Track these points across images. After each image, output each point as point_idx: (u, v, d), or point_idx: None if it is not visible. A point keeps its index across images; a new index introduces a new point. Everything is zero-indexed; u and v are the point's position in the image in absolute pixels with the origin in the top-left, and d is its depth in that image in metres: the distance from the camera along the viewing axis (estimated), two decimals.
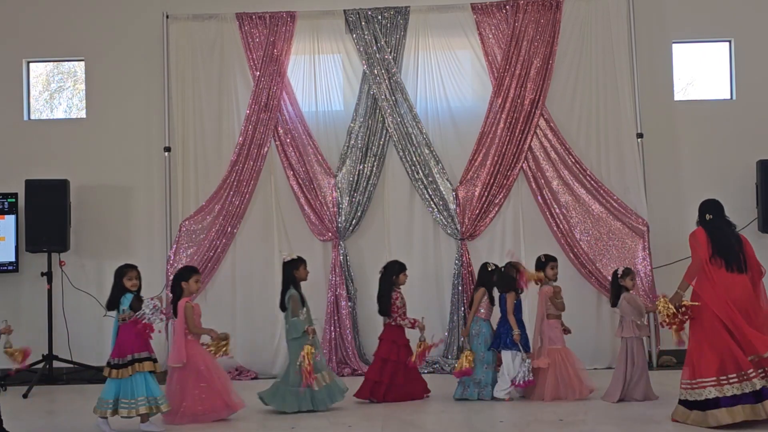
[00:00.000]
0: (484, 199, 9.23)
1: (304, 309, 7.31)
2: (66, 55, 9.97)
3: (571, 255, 9.03)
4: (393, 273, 7.64)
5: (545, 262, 7.62)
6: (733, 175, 9.21)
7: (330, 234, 9.27)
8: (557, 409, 6.93)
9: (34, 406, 8.04)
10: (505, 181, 9.25)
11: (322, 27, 9.47)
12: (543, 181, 9.23)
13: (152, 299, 6.65)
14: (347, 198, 9.28)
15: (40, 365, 8.95)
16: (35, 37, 9.79)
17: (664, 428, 6.20)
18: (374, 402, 7.39)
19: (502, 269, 7.66)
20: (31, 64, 10.02)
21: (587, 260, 8.99)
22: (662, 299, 6.42)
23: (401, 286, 7.68)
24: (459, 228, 9.20)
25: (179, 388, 6.88)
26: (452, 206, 9.23)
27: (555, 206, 9.18)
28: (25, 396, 8.30)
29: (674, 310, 6.30)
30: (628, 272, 7.36)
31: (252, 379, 9.10)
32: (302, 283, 7.45)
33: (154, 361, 6.73)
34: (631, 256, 8.92)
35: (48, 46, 9.83)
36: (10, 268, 9.24)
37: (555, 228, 9.16)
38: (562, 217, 9.16)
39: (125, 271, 6.77)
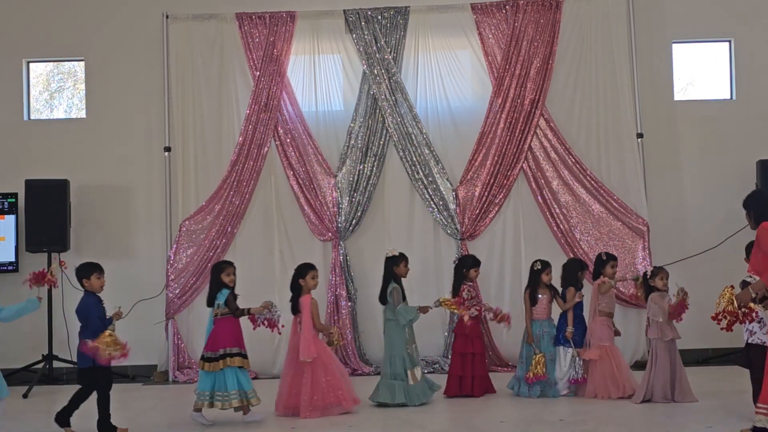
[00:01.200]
0: (484, 199, 9.23)
1: (404, 304, 7.40)
2: (66, 55, 9.97)
3: (571, 255, 9.01)
4: (464, 267, 7.70)
5: (606, 261, 7.59)
6: (733, 175, 9.20)
7: (330, 234, 9.27)
8: (557, 408, 6.94)
9: (34, 406, 8.04)
10: (505, 181, 9.25)
11: (322, 27, 9.47)
12: (543, 181, 9.24)
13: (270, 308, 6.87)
14: (347, 198, 9.28)
15: (40, 365, 8.95)
16: (35, 37, 9.79)
17: (665, 429, 6.20)
18: (470, 397, 7.44)
19: (566, 265, 7.77)
20: (31, 64, 10.02)
21: (587, 260, 8.97)
22: (729, 290, 5.76)
23: (471, 281, 7.71)
24: (459, 228, 9.20)
25: (309, 381, 6.95)
26: (452, 206, 9.23)
27: (555, 206, 9.19)
28: (25, 396, 8.31)
29: (736, 307, 5.65)
30: (657, 272, 7.23)
31: (252, 379, 9.07)
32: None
33: (244, 356, 6.81)
34: (631, 256, 8.93)
35: (48, 46, 9.83)
36: (10, 268, 9.24)
37: (555, 228, 9.16)
38: (562, 217, 9.16)
39: (224, 267, 6.98)
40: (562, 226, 9.15)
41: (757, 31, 9.53)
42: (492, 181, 9.23)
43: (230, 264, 7.06)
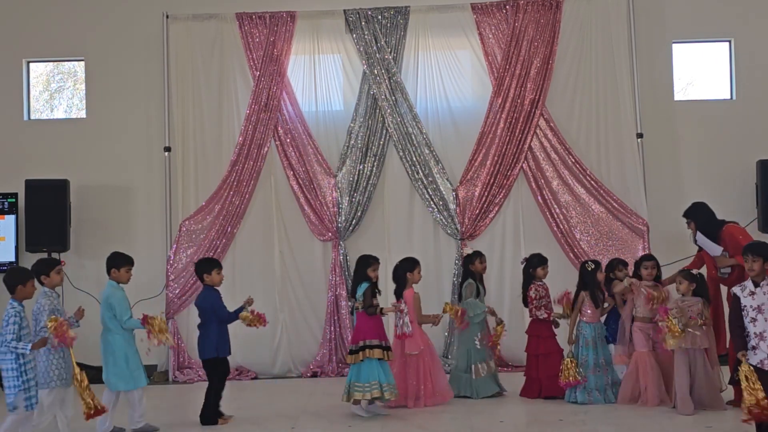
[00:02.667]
0: (484, 199, 9.23)
1: (475, 299, 7.53)
2: (66, 55, 9.97)
3: (571, 255, 9.03)
4: (532, 266, 7.65)
5: (639, 261, 7.52)
6: (733, 175, 9.21)
7: (330, 234, 9.27)
8: (557, 408, 6.93)
9: None
10: (505, 181, 9.25)
11: (322, 27, 9.47)
12: (543, 181, 9.24)
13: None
14: (347, 198, 9.28)
15: None
16: (35, 37, 9.79)
17: (665, 430, 6.20)
18: (545, 398, 7.38)
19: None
20: (31, 64, 10.02)
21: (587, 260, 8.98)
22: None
23: (541, 280, 7.62)
24: (459, 228, 9.20)
25: (415, 373, 7.12)
26: (452, 206, 9.23)
27: (555, 206, 9.19)
28: None
29: None
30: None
31: (252, 379, 9.10)
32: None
33: (385, 348, 6.87)
34: (631, 256, 8.90)
35: (48, 46, 9.83)
36: None
37: (555, 228, 9.16)
38: (562, 217, 9.16)
39: (371, 261, 7.07)
40: (562, 226, 9.15)
41: (757, 31, 9.53)
42: (492, 181, 9.23)
43: (377, 259, 7.13)
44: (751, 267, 5.66)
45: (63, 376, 6.22)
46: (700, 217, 7.33)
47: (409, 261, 7.41)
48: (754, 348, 5.56)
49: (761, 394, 5.33)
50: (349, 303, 7.14)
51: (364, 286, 6.98)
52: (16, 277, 5.89)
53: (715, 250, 7.12)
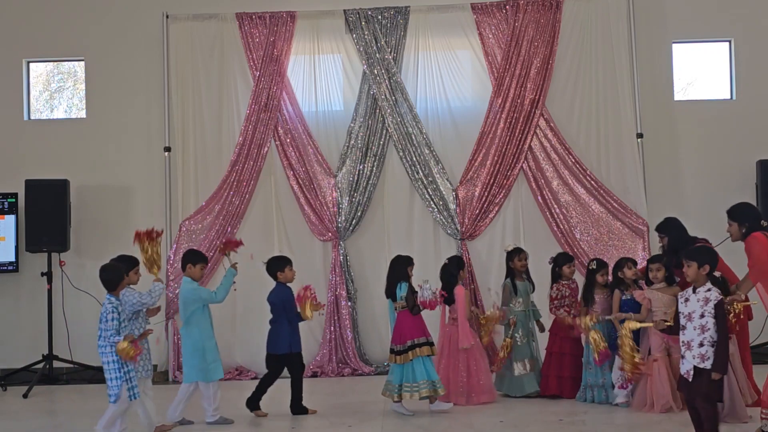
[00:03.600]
0: (484, 199, 9.23)
1: (520, 299, 7.52)
2: (66, 55, 9.97)
3: (571, 255, 9.01)
4: (557, 265, 7.63)
5: (645, 264, 7.42)
6: (733, 175, 9.21)
7: (330, 234, 9.27)
8: (557, 408, 6.93)
9: (34, 406, 8.04)
10: (505, 181, 9.26)
11: (322, 27, 9.47)
12: (543, 181, 9.24)
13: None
14: (347, 198, 9.28)
15: (40, 365, 8.95)
16: (35, 37, 9.79)
17: (665, 430, 6.20)
18: (561, 397, 7.34)
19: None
20: (31, 64, 10.02)
21: (588, 260, 8.98)
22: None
23: (567, 279, 7.53)
24: (459, 228, 9.20)
25: (467, 368, 7.18)
26: (452, 206, 9.23)
27: (555, 206, 9.19)
28: (25, 396, 8.30)
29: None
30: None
31: (252, 378, 9.09)
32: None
33: (431, 344, 6.96)
34: (631, 256, 8.89)
35: (48, 46, 9.83)
36: (10, 268, 9.24)
37: (555, 228, 9.17)
38: (562, 217, 9.17)
39: (411, 261, 7.21)
40: (562, 226, 9.15)
41: (757, 31, 9.53)
42: (492, 181, 9.23)
43: (412, 261, 7.27)
44: (686, 272, 5.46)
45: (147, 368, 6.50)
46: (673, 232, 7.10)
47: (459, 259, 7.63)
48: (682, 357, 5.40)
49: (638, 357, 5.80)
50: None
51: (405, 285, 7.04)
52: (114, 274, 6.14)
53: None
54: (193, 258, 7.01)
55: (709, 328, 5.25)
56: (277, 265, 7.14)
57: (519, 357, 7.45)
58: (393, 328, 7.07)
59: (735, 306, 5.77)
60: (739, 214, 6.26)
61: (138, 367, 6.28)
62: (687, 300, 5.43)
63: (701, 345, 5.26)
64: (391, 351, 7.00)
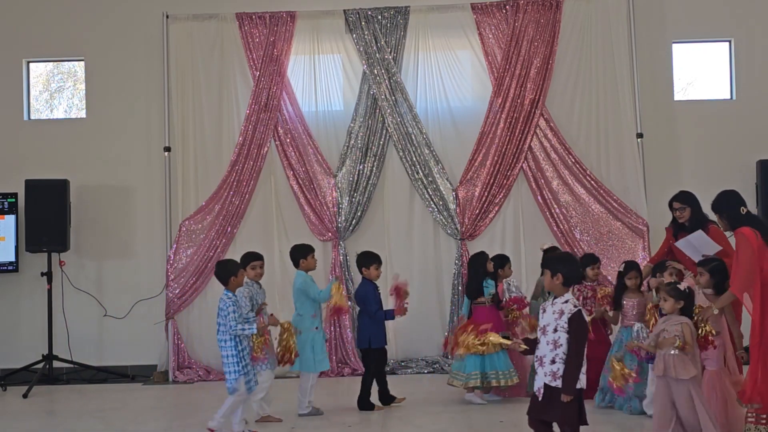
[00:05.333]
0: (484, 199, 9.23)
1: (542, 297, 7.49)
2: (66, 55, 9.97)
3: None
4: (582, 266, 7.47)
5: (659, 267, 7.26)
6: (733, 175, 9.19)
7: (330, 234, 9.27)
8: None
9: (34, 406, 8.04)
10: (505, 181, 9.26)
11: (322, 27, 9.47)
12: (543, 181, 9.24)
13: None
14: (347, 198, 9.28)
15: (40, 365, 8.96)
16: (35, 37, 9.79)
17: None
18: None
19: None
20: (31, 64, 10.02)
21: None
22: (696, 308, 5.70)
23: (591, 281, 7.44)
24: (459, 228, 9.20)
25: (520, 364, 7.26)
26: (452, 206, 9.23)
27: (555, 206, 9.19)
28: (25, 396, 8.30)
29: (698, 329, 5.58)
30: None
31: None
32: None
33: (506, 338, 7.07)
34: (631, 256, 8.90)
35: (48, 46, 9.83)
36: (10, 268, 9.24)
37: (555, 228, 9.17)
38: (562, 217, 9.17)
39: (487, 256, 7.46)
40: (562, 226, 9.15)
41: (757, 31, 9.53)
42: (492, 181, 9.23)
43: (488, 256, 7.54)
44: (543, 280, 5.10)
45: (270, 360, 6.74)
46: (696, 205, 6.94)
47: (501, 258, 7.67)
48: (535, 373, 5.01)
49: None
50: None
51: (492, 282, 7.34)
52: (228, 270, 6.28)
53: (714, 248, 6.58)
54: (303, 251, 7.19)
55: (561, 344, 4.78)
56: (364, 261, 7.31)
57: None
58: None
59: (703, 326, 5.56)
60: (716, 203, 6.03)
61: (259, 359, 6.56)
62: (544, 311, 4.97)
63: (553, 362, 4.79)
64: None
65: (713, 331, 5.61)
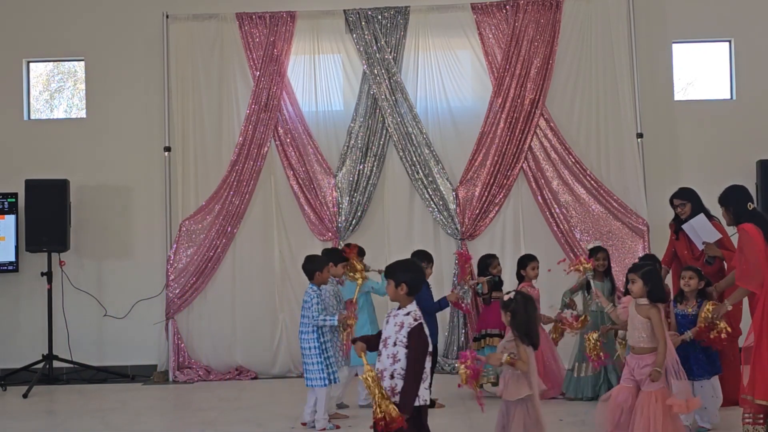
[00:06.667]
0: (484, 199, 9.23)
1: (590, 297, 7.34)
2: (66, 55, 9.96)
3: (572, 255, 9.00)
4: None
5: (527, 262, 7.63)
6: (733, 175, 9.12)
7: (330, 234, 9.27)
8: (557, 408, 6.93)
9: (34, 406, 8.04)
10: (505, 181, 9.26)
11: (322, 27, 9.47)
12: (543, 181, 9.24)
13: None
14: (347, 198, 9.28)
15: (40, 365, 8.95)
16: (35, 37, 9.78)
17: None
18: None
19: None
20: (31, 64, 10.02)
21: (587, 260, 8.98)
22: (710, 305, 5.72)
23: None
24: (459, 228, 9.20)
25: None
26: (452, 206, 9.23)
27: (555, 206, 9.19)
28: (25, 396, 8.30)
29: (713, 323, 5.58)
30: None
31: (252, 379, 9.10)
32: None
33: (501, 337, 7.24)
34: (631, 256, 8.91)
35: (48, 46, 9.82)
36: (10, 268, 9.24)
37: (555, 228, 9.17)
38: (562, 217, 9.17)
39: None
40: (562, 226, 9.15)
41: (757, 31, 9.52)
42: (492, 181, 9.23)
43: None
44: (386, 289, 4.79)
45: (338, 357, 6.82)
46: (696, 200, 7.10)
47: (525, 258, 7.69)
48: None
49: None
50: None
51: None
52: (315, 265, 6.58)
53: (714, 234, 6.78)
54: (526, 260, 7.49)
55: (400, 359, 4.48)
56: (419, 259, 7.31)
57: (581, 358, 7.19)
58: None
59: (719, 325, 5.55)
60: (723, 197, 6.07)
61: (338, 357, 6.74)
62: (387, 322, 4.64)
63: (392, 377, 4.48)
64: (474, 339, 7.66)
65: (728, 328, 5.61)
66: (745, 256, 5.56)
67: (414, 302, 4.65)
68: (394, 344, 4.51)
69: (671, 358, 5.34)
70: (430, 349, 4.60)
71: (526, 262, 7.65)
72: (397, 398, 4.43)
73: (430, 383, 4.64)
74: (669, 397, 5.26)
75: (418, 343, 4.48)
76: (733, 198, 5.97)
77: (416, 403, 4.46)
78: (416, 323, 4.52)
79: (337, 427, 6.49)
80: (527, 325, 4.95)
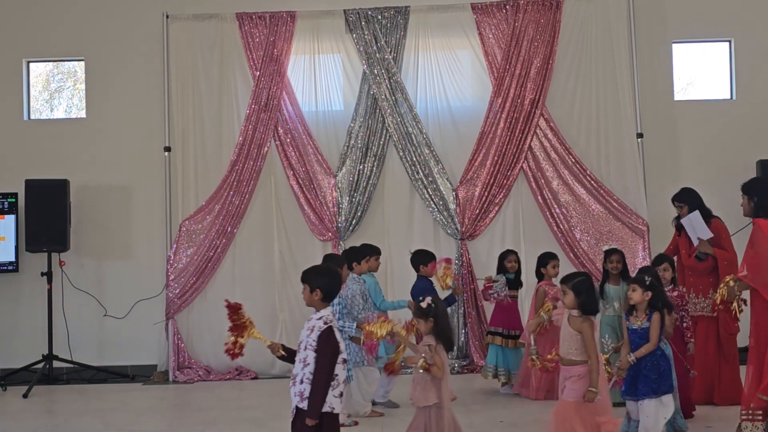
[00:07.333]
0: (484, 199, 9.23)
1: (609, 304, 7.04)
2: (66, 55, 9.96)
3: (572, 255, 9.03)
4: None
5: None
6: (733, 175, 9.14)
7: (330, 234, 9.27)
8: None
9: (34, 406, 8.04)
10: (505, 181, 9.26)
11: (322, 27, 9.47)
12: (543, 181, 9.24)
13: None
14: (347, 198, 9.28)
15: (40, 365, 8.95)
16: (35, 37, 9.78)
17: None
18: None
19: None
20: (31, 64, 10.02)
21: (587, 260, 8.99)
22: (729, 279, 5.62)
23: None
24: (459, 228, 9.20)
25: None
26: (452, 206, 9.23)
27: (555, 206, 9.19)
28: (25, 396, 8.30)
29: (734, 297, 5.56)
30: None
31: (252, 379, 9.10)
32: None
33: (506, 337, 7.59)
34: (632, 256, 8.91)
35: (48, 46, 9.82)
36: (10, 268, 9.24)
37: (555, 228, 9.17)
38: (562, 217, 9.17)
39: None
40: (562, 226, 9.15)
41: (757, 31, 9.52)
42: (492, 181, 9.23)
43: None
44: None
45: (361, 355, 6.80)
46: (694, 202, 7.29)
47: (545, 256, 7.65)
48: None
49: None
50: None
51: (501, 277, 7.72)
52: (350, 258, 6.74)
53: (706, 232, 7.01)
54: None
55: (309, 363, 4.41)
56: (421, 259, 7.44)
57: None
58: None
59: (734, 301, 5.56)
60: (748, 186, 5.99)
61: (357, 358, 6.73)
62: (304, 327, 4.61)
63: (302, 381, 4.42)
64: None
65: (739, 307, 5.55)
66: (756, 250, 5.55)
67: (329, 307, 4.57)
68: (305, 348, 4.46)
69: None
70: (344, 355, 4.51)
71: (546, 260, 7.58)
72: (305, 404, 4.36)
73: (341, 392, 4.48)
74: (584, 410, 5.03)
75: (325, 347, 4.40)
76: (758, 189, 5.92)
77: (324, 410, 4.37)
78: (326, 327, 4.44)
79: (356, 423, 6.53)
80: (448, 331, 4.98)
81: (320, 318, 4.50)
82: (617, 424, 5.11)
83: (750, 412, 5.45)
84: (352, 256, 7.08)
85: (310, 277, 4.62)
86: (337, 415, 4.48)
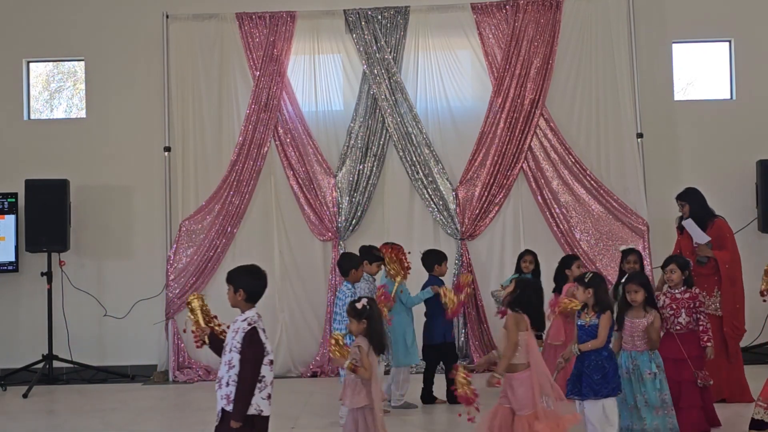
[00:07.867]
0: (484, 199, 9.24)
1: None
2: (66, 55, 9.97)
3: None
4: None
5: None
6: (733, 175, 9.20)
7: (330, 234, 9.27)
8: (556, 409, 6.90)
9: (34, 406, 8.04)
10: (505, 181, 9.26)
11: (322, 27, 9.47)
12: (543, 181, 9.24)
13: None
14: (347, 198, 9.28)
15: (40, 365, 8.95)
16: (35, 37, 9.79)
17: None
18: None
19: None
20: (31, 64, 10.02)
21: (587, 260, 8.98)
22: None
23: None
24: (459, 228, 9.20)
25: (552, 365, 6.92)
26: (452, 206, 9.24)
27: (555, 206, 9.19)
28: (25, 396, 8.30)
29: None
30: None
31: None
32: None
33: None
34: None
35: (48, 46, 9.83)
36: (10, 268, 9.24)
37: (555, 228, 9.17)
38: (562, 217, 9.17)
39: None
40: (562, 226, 9.15)
41: (757, 31, 9.52)
42: (492, 181, 9.24)
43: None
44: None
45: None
46: (695, 201, 7.36)
47: (568, 258, 7.59)
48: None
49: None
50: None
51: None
52: (349, 262, 6.77)
53: (702, 237, 7.13)
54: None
55: (234, 365, 4.37)
56: (433, 259, 7.45)
57: None
58: None
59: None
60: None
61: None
62: (229, 329, 4.54)
63: (228, 384, 4.39)
64: None
65: None
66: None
67: (253, 308, 4.47)
68: (230, 350, 4.40)
69: (543, 375, 5.03)
70: (271, 357, 4.48)
71: (570, 261, 7.40)
72: (231, 407, 4.33)
73: (269, 394, 4.47)
74: (539, 419, 4.95)
75: (249, 349, 4.35)
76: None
77: (250, 412, 4.35)
78: (250, 328, 4.38)
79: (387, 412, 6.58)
80: (381, 334, 4.97)
81: (245, 319, 4.42)
82: (547, 428, 4.95)
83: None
84: (365, 256, 7.12)
85: (233, 277, 4.52)
86: (267, 417, 4.43)
